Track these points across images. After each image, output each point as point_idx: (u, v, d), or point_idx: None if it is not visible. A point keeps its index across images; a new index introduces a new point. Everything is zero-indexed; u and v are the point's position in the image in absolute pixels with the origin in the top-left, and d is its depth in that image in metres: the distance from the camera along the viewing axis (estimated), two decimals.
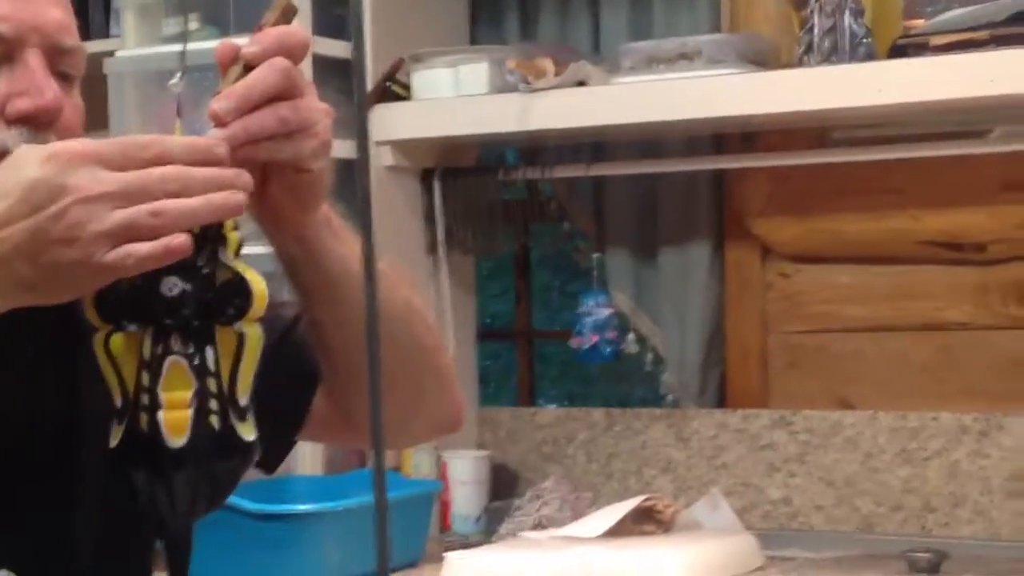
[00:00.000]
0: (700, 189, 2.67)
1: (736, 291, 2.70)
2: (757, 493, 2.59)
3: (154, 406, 1.02)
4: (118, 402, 1.04)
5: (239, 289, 1.04)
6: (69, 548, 1.22)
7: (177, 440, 1.02)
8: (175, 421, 1.02)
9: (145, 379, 1.03)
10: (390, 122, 2.59)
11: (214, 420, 1.03)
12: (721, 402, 2.70)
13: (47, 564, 1.17)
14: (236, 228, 1.06)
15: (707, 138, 2.64)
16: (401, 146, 2.65)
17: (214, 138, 1.04)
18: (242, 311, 1.04)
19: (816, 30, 2.37)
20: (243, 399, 1.04)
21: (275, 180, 1.11)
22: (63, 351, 1.24)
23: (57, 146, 1.00)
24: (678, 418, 2.67)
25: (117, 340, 1.03)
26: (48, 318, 1.22)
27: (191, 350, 1.03)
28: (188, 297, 1.02)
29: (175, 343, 1.03)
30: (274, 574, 2.20)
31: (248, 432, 1.04)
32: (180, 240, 0.99)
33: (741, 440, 2.62)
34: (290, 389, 1.28)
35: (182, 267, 1.02)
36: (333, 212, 1.18)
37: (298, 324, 1.28)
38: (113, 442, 1.04)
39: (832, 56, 2.35)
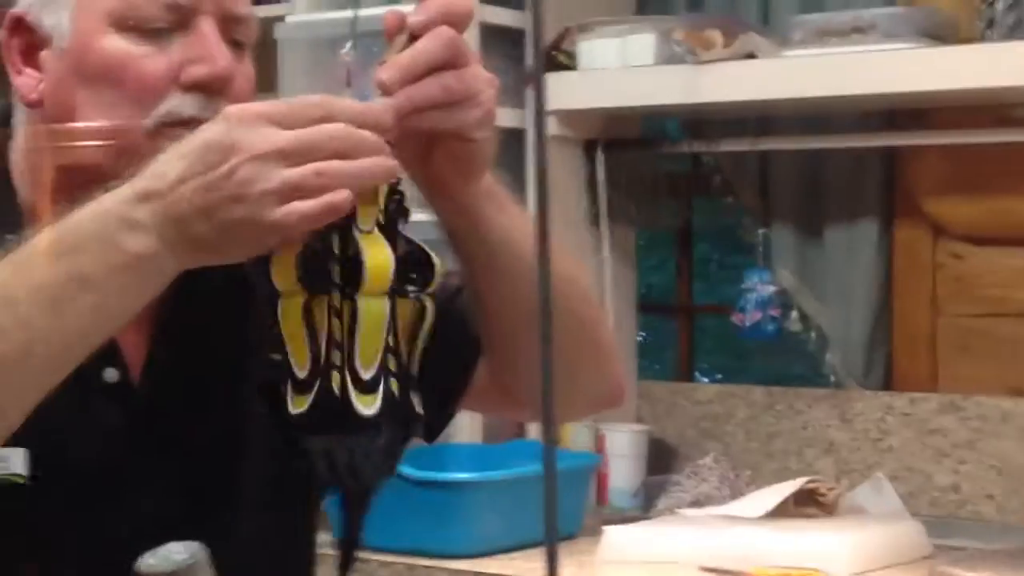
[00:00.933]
0: (870, 166, 2.61)
1: (905, 271, 2.64)
2: (924, 479, 2.54)
3: (348, 373, 1.03)
4: (302, 370, 1.04)
5: (421, 260, 1.04)
6: (235, 505, 1.25)
7: (367, 408, 1.03)
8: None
9: (335, 348, 1.03)
10: (554, 92, 2.58)
11: (395, 388, 1.04)
12: (887, 384, 2.64)
13: (215, 525, 1.19)
14: (379, 200, 1.05)
15: (879, 114, 2.58)
16: (565, 116, 2.63)
17: (384, 107, 1.04)
18: (426, 282, 1.04)
19: (999, 4, 2.30)
20: (364, 371, 1.04)
21: (439, 150, 1.11)
22: (231, 317, 1.25)
23: (231, 107, 1.02)
24: (842, 399, 2.63)
25: (318, 304, 1.04)
26: (216, 284, 1.24)
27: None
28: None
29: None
30: (433, 541, 2.21)
31: (367, 405, 1.04)
32: (342, 196, 1.00)
33: (908, 424, 2.56)
34: (452, 359, 1.28)
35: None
36: (496, 182, 1.18)
37: (461, 294, 1.28)
38: (300, 407, 1.05)
39: (1016, 31, 2.28)
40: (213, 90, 1.16)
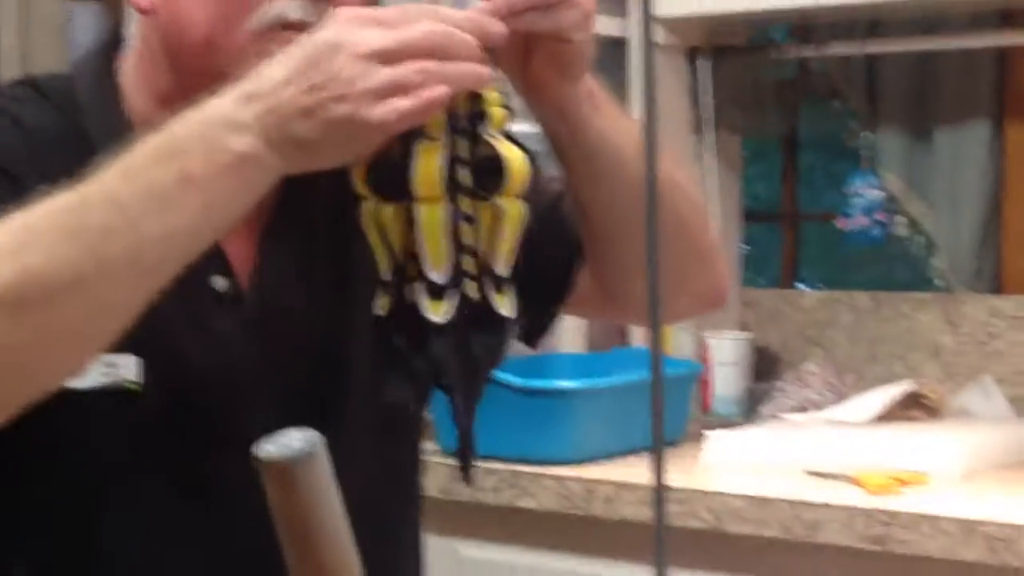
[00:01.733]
0: (980, 66, 2.57)
1: (1016, 173, 2.59)
2: None
3: (422, 278, 1.04)
4: (387, 273, 1.06)
5: (495, 165, 1.04)
6: (340, 412, 1.27)
7: (437, 315, 1.04)
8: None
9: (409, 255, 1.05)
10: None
11: (471, 291, 1.04)
12: (995, 288, 2.61)
13: (326, 432, 1.22)
14: (503, 105, 1.06)
15: (990, 13, 2.53)
16: (669, 23, 2.61)
17: (482, 10, 1.05)
18: (497, 187, 1.04)
19: None
20: (500, 270, 1.05)
21: (537, 52, 1.12)
22: (336, 225, 1.27)
23: (342, 10, 1.04)
24: (948, 303, 2.60)
25: (387, 211, 1.05)
26: (320, 192, 1.26)
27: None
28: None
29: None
30: (537, 449, 2.23)
31: (504, 305, 1.05)
32: (440, 92, 1.00)
33: (1016, 327, 2.53)
34: (553, 263, 1.29)
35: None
36: (597, 86, 1.18)
37: (563, 199, 1.28)
38: (380, 311, 1.07)
39: None
40: None
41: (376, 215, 1.06)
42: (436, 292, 1.04)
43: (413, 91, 1.00)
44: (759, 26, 2.84)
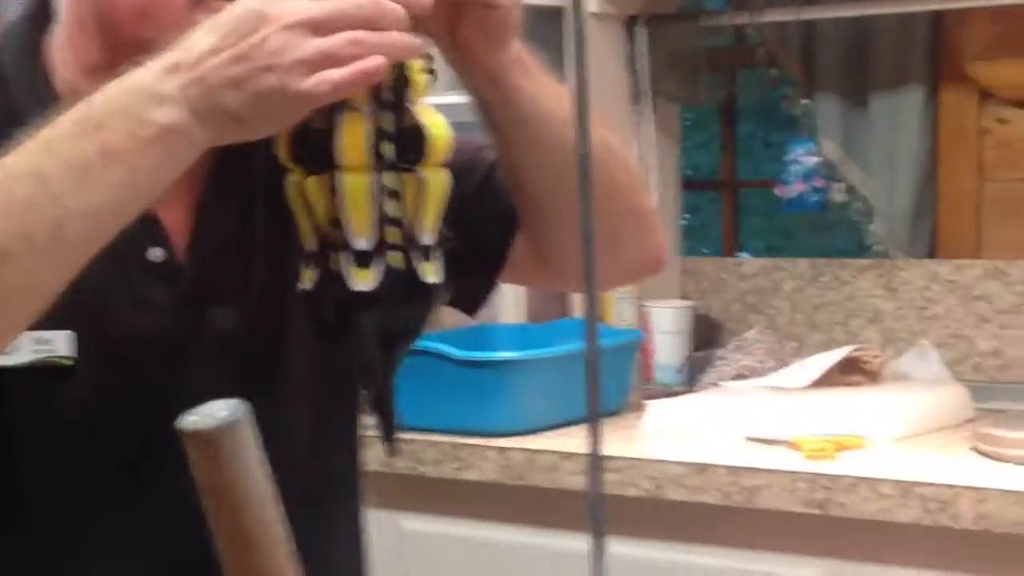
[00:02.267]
0: (915, 31, 2.58)
1: (951, 137, 2.61)
2: (968, 345, 2.54)
3: (345, 248, 1.03)
4: (312, 244, 1.05)
5: (418, 135, 1.04)
6: (279, 383, 1.26)
7: (364, 283, 1.03)
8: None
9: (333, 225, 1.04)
10: None
11: (396, 262, 1.04)
12: (932, 252, 2.63)
13: (261, 403, 1.21)
14: (427, 71, 1.05)
15: None
16: None
17: None
18: (420, 157, 1.04)
19: None
20: (426, 239, 1.05)
21: (464, 18, 1.11)
22: (272, 194, 1.26)
23: None
24: (887, 268, 2.62)
25: (311, 182, 1.04)
26: (256, 161, 1.24)
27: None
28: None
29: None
30: (478, 420, 2.23)
31: (431, 274, 1.05)
32: (374, 62, 0.99)
33: (953, 291, 2.55)
34: (490, 231, 1.29)
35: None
36: (526, 53, 1.18)
37: (496, 167, 1.28)
38: (307, 285, 1.06)
39: None
40: None
41: (300, 186, 1.05)
42: (362, 260, 1.03)
43: (345, 62, 0.99)
44: None
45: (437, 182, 1.05)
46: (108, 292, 1.16)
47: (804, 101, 2.69)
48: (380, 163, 1.03)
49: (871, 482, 1.92)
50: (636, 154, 2.65)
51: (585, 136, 0.79)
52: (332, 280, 1.04)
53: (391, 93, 1.03)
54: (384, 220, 1.03)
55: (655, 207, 1.35)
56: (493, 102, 1.18)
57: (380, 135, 1.03)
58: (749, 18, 2.63)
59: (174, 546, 1.20)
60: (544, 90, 1.18)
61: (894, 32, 2.58)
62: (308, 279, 1.05)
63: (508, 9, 1.12)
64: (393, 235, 1.04)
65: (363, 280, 1.03)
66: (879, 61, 2.61)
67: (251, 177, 1.25)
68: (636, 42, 2.68)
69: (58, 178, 0.99)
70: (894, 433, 2.10)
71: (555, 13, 2.49)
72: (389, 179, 1.03)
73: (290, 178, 1.06)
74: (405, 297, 1.05)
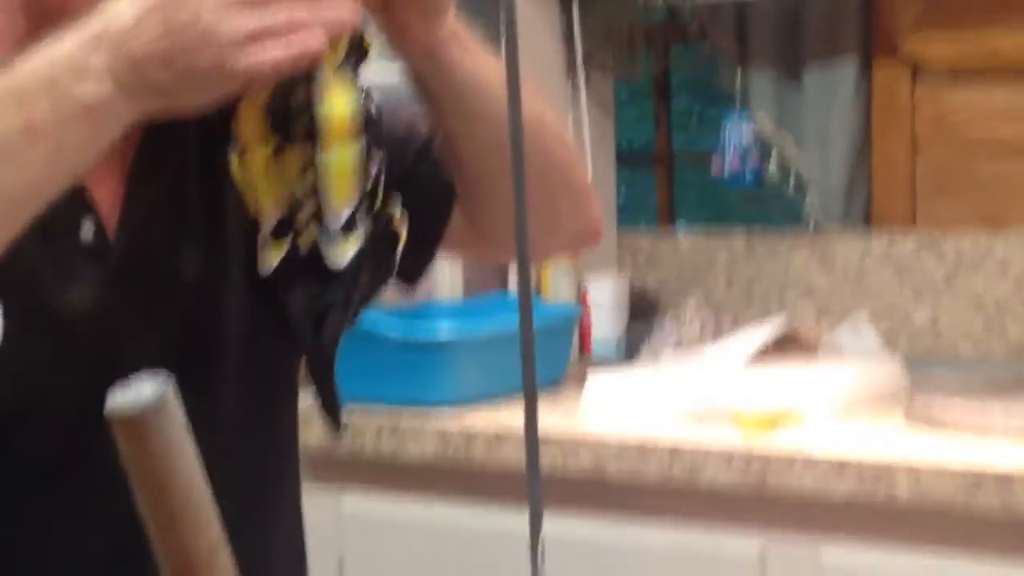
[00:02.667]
0: (847, 4, 2.58)
1: (884, 111, 2.62)
2: (903, 318, 2.55)
3: (321, 221, 1.02)
4: (272, 221, 1.04)
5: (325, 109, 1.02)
6: (215, 362, 1.24)
7: (340, 259, 1.02)
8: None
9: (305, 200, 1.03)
10: None
11: (303, 243, 1.03)
12: (866, 226, 2.64)
13: (194, 384, 1.19)
14: (352, 44, 1.04)
15: None
16: None
17: None
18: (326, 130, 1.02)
19: None
20: (340, 218, 1.03)
21: None
22: (206, 168, 1.24)
23: None
24: (821, 242, 2.63)
25: (288, 155, 1.02)
26: (189, 135, 1.22)
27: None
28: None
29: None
30: (417, 398, 2.22)
31: (340, 254, 1.04)
32: (316, 41, 0.97)
33: (886, 264, 2.57)
34: (427, 204, 1.28)
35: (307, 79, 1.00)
36: (461, 26, 1.17)
37: (432, 141, 1.27)
38: (271, 263, 1.04)
39: None
40: None
41: (267, 160, 1.03)
42: (339, 235, 1.02)
43: (283, 37, 0.97)
44: None
45: (343, 158, 1.04)
46: (36, 268, 1.13)
47: (737, 74, 2.69)
48: (288, 134, 1.01)
49: (806, 457, 1.92)
50: (571, 128, 2.64)
51: (516, 109, 0.78)
52: (299, 257, 1.02)
53: (349, 61, 1.02)
54: (361, 192, 1.02)
55: (590, 180, 1.35)
56: (428, 76, 1.17)
57: (289, 104, 1.01)
58: None
59: (109, 523, 1.18)
60: (480, 63, 1.18)
61: (826, 5, 2.59)
62: (272, 258, 1.04)
63: None
64: (363, 211, 1.03)
65: (340, 255, 1.02)
66: (812, 35, 2.62)
67: (183, 149, 1.23)
68: (571, 16, 2.67)
69: None
70: (830, 407, 2.10)
71: None
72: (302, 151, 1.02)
73: (255, 153, 1.03)
74: (370, 271, 1.04)
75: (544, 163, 1.21)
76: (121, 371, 1.16)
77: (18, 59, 0.99)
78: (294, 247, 1.03)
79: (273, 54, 0.96)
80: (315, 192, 1.02)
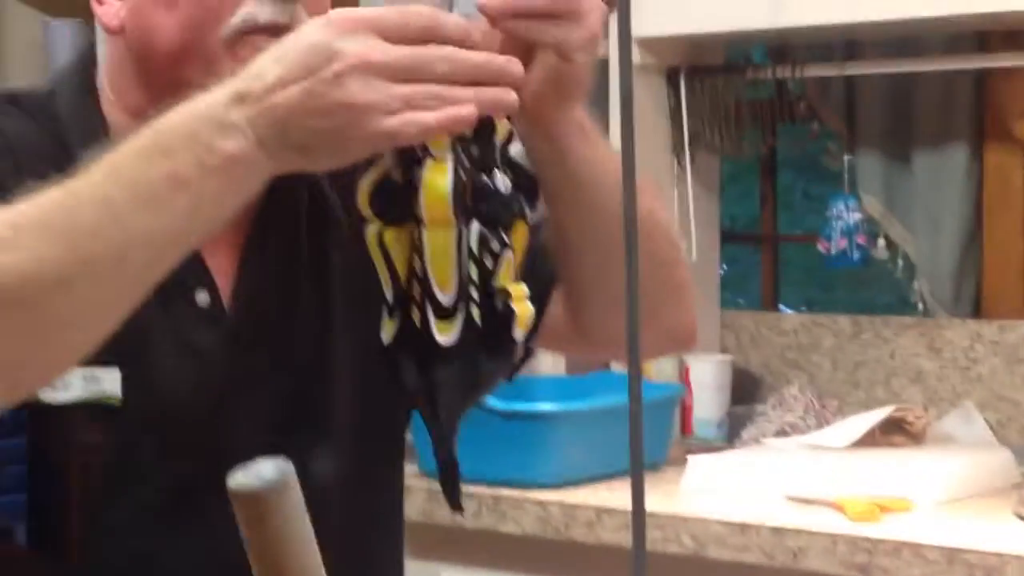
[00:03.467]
0: (959, 89, 2.56)
1: (996, 196, 2.59)
2: (1013, 407, 2.50)
3: (429, 300, 1.02)
4: (390, 296, 1.04)
5: (528, 184, 1.03)
6: (322, 427, 1.25)
7: (445, 337, 1.02)
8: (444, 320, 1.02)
9: (414, 278, 1.03)
10: (636, 19, 2.54)
11: (476, 315, 1.03)
12: (976, 312, 2.60)
13: (304, 451, 1.21)
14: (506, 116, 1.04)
15: (969, 35, 2.53)
16: (646, 43, 2.60)
17: (481, 6, 1.03)
18: (532, 206, 1.03)
19: None
20: (435, 299, 1.04)
21: (536, 67, 1.09)
22: (316, 242, 1.26)
23: (335, 12, 1.00)
24: (930, 327, 2.59)
25: (389, 234, 1.03)
26: (301, 207, 1.24)
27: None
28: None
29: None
30: (519, 472, 2.21)
31: (444, 332, 1.04)
32: (467, 111, 0.97)
33: (997, 352, 2.52)
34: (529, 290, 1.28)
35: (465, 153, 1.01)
36: (587, 116, 1.17)
37: (540, 229, 1.27)
38: (386, 336, 1.05)
39: None
40: None
41: (380, 238, 1.04)
42: (444, 314, 1.02)
43: (432, 108, 0.97)
44: (737, 46, 2.83)
45: (520, 233, 1.04)
46: (155, 334, 1.18)
47: (846, 156, 2.67)
48: (462, 215, 1.01)
49: (915, 546, 1.89)
50: (676, 205, 2.63)
51: (631, 191, 0.78)
52: (412, 332, 1.03)
53: (475, 142, 1.02)
54: (467, 274, 1.02)
55: (691, 280, 1.34)
56: (548, 161, 1.17)
57: (461, 186, 1.01)
58: (791, 72, 2.62)
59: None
60: (599, 155, 1.18)
61: (938, 89, 2.57)
62: (388, 330, 1.04)
63: (581, 66, 1.10)
64: (474, 291, 1.03)
65: (445, 333, 1.02)
66: (922, 118, 2.60)
67: (296, 220, 1.26)
68: (678, 94, 2.67)
69: (123, 204, 0.98)
70: (939, 496, 2.07)
71: (600, 65, 2.48)
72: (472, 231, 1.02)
73: (368, 228, 1.04)
74: (485, 351, 1.03)
75: (651, 259, 1.20)
76: (231, 437, 1.19)
77: (162, 116, 1.00)
78: (408, 322, 1.04)
79: (424, 119, 0.96)
80: (424, 270, 1.03)
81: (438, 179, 1.01)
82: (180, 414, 1.20)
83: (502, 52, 1.02)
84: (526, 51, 1.08)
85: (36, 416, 1.14)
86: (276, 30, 1.13)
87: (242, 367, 1.22)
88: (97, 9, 1.22)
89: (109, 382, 1.17)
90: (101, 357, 1.05)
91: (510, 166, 1.05)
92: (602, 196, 1.16)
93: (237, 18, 1.16)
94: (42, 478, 1.19)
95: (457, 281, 1.02)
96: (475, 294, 1.03)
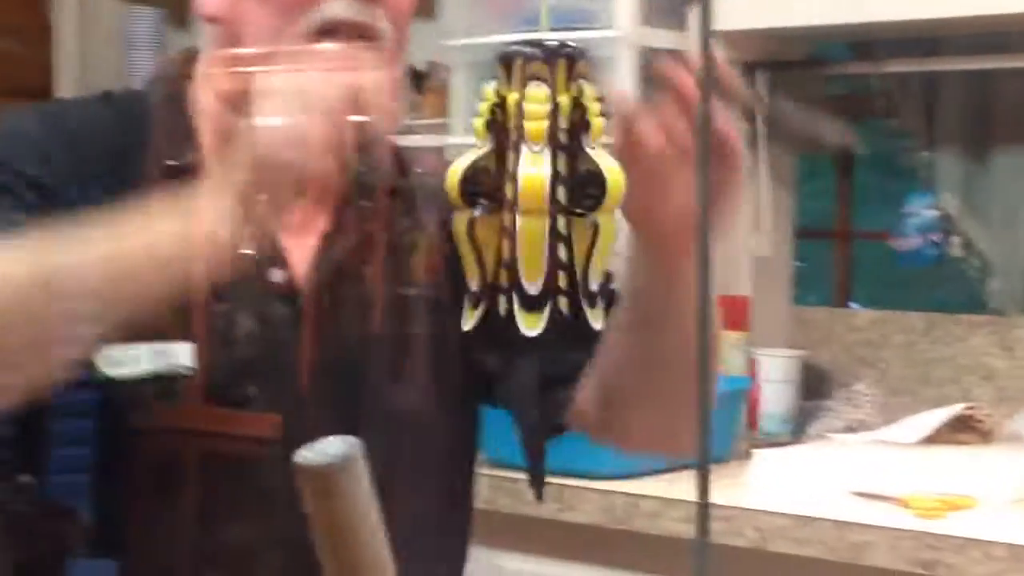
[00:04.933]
0: None
1: None
2: None
3: (516, 291, 1.03)
4: (475, 284, 1.05)
5: (595, 180, 1.03)
6: (393, 416, 1.28)
7: (531, 329, 1.03)
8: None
9: (503, 267, 1.04)
10: (718, 12, 2.54)
11: (563, 306, 1.03)
12: None
13: (374, 431, 1.24)
14: (602, 114, 1.05)
15: None
16: (728, 37, 2.59)
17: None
18: (597, 203, 1.03)
19: None
20: (593, 285, 1.04)
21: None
22: (397, 229, 1.29)
23: None
24: (1003, 326, 2.57)
25: (482, 222, 1.04)
26: (378, 203, 1.27)
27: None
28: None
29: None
30: (584, 463, 2.22)
31: (596, 319, 1.04)
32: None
33: None
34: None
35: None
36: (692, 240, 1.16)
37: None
38: (469, 324, 1.06)
39: None
40: None
41: (471, 226, 1.05)
42: (532, 304, 1.03)
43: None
44: (818, 42, 2.82)
45: (609, 227, 1.05)
46: (231, 308, 1.23)
47: (924, 153, 2.65)
48: (555, 207, 1.02)
49: (982, 544, 1.88)
50: (751, 200, 2.63)
51: (704, 182, 0.79)
52: (499, 321, 1.04)
53: (567, 135, 1.03)
54: (556, 265, 1.03)
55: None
56: (642, 274, 1.17)
57: (556, 178, 1.02)
58: (872, 68, 2.61)
59: (282, 557, 1.22)
60: (689, 290, 1.17)
61: (1018, 86, 2.55)
62: (470, 318, 1.05)
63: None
64: (562, 279, 1.03)
65: (531, 325, 1.03)
66: (1002, 115, 2.57)
67: (374, 214, 1.29)
68: (755, 87, 2.66)
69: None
70: (1007, 495, 2.05)
71: (678, 57, 2.48)
72: (561, 223, 1.03)
73: (458, 216, 1.06)
74: (570, 343, 1.04)
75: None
76: (299, 411, 1.22)
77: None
78: (493, 310, 1.05)
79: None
80: (570, 260, 1.03)
81: (536, 169, 1.02)
82: (250, 387, 1.23)
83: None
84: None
85: (104, 394, 1.18)
86: (356, 29, 1.17)
87: (312, 344, 1.25)
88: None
89: (182, 354, 1.21)
90: (176, 331, 1.12)
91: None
92: (675, 321, 1.16)
93: (320, 13, 1.19)
94: (108, 457, 1.21)
95: (546, 271, 1.03)
96: (563, 283, 1.04)
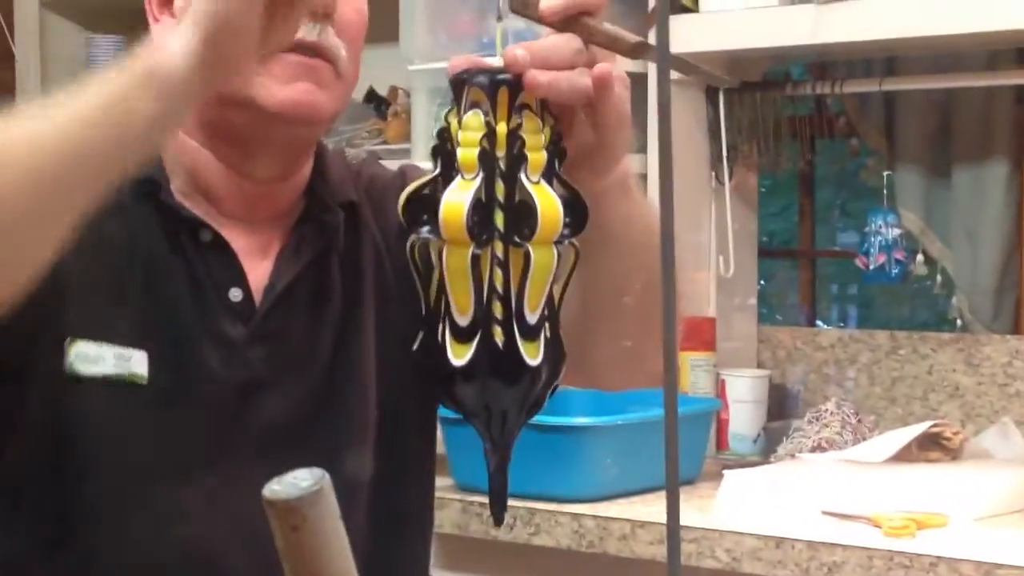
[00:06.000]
0: (999, 105, 2.55)
1: None
2: None
3: (516, 322, 1.02)
4: (468, 317, 1.04)
5: (528, 210, 1.02)
6: (349, 431, 1.31)
7: (532, 358, 1.02)
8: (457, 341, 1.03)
9: (497, 299, 1.03)
10: (676, 35, 2.55)
11: (497, 337, 1.02)
12: (1015, 328, 2.59)
13: (325, 448, 1.25)
14: (544, 148, 1.04)
15: (1009, 52, 2.52)
16: (687, 59, 2.60)
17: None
18: (530, 232, 1.02)
19: None
20: (529, 318, 1.03)
21: (569, 137, 1.08)
22: (351, 257, 1.31)
23: None
24: (968, 343, 2.58)
25: (424, 248, 1.04)
26: (336, 226, 1.29)
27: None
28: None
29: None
30: (554, 485, 2.22)
31: (529, 353, 1.03)
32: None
33: None
34: None
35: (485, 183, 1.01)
36: (629, 172, 1.17)
37: None
38: (461, 357, 1.04)
39: None
40: (319, 15, 1.20)
41: (413, 249, 1.04)
42: (460, 335, 1.02)
43: None
44: (777, 62, 2.83)
45: (544, 260, 1.03)
46: (188, 323, 1.25)
47: (885, 172, 2.67)
48: (492, 232, 1.01)
49: (951, 562, 1.88)
50: (714, 220, 2.63)
51: (668, 206, 0.79)
52: (434, 348, 1.03)
53: (506, 164, 1.02)
54: (491, 292, 1.01)
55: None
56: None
57: (492, 204, 1.01)
58: (831, 88, 2.62)
59: (232, 566, 1.23)
60: (635, 212, 1.18)
61: (977, 105, 2.56)
62: (459, 354, 1.03)
63: (613, 140, 1.10)
64: (498, 309, 1.02)
65: (459, 355, 1.02)
66: (961, 134, 2.59)
67: (327, 238, 1.32)
68: (717, 110, 2.67)
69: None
70: (976, 512, 2.06)
71: (638, 79, 2.49)
72: (499, 250, 1.01)
73: (410, 238, 1.05)
74: (502, 375, 1.03)
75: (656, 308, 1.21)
76: (251, 425, 1.23)
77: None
78: (431, 338, 1.04)
79: None
80: (506, 291, 1.02)
81: (457, 197, 1.01)
82: (202, 399, 1.26)
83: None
84: (566, 126, 1.08)
85: (68, 386, 1.22)
86: (304, 48, 1.20)
87: (268, 361, 1.28)
88: (153, 27, 1.26)
89: (138, 361, 1.23)
90: (133, 339, 1.17)
91: (562, 184, 1.04)
92: (629, 247, 1.18)
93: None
94: (63, 450, 1.24)
95: (476, 304, 1.02)
96: (498, 313, 1.02)
